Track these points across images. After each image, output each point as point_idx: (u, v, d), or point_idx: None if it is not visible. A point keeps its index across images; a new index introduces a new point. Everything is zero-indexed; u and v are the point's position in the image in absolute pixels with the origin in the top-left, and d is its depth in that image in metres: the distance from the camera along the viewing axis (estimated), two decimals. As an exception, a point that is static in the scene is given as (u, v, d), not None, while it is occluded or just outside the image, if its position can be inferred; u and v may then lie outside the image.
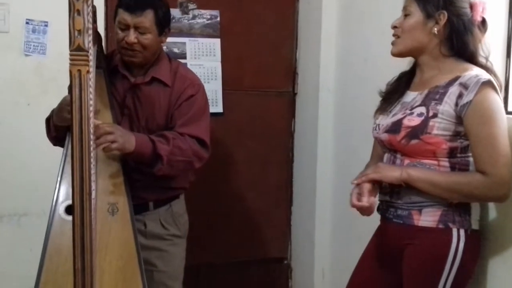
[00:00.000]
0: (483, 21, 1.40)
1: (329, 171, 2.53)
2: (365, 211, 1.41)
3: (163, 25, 1.71)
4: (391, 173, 1.38)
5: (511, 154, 1.31)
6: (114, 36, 1.74)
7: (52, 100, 1.71)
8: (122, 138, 1.54)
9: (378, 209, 1.53)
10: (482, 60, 1.39)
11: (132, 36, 1.64)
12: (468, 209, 1.38)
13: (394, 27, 1.45)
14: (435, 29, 1.38)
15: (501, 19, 1.63)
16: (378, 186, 1.46)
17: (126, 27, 1.65)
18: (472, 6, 1.38)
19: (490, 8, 1.56)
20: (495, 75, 1.38)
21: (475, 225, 1.39)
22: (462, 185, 1.33)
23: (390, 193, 1.45)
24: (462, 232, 1.35)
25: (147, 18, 1.65)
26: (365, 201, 1.40)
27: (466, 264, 1.35)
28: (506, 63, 1.62)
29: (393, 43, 1.46)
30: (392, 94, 1.52)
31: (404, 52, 1.45)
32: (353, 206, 1.43)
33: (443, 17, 1.37)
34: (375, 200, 1.42)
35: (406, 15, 1.42)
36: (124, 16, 1.64)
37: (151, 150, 1.61)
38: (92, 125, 1.17)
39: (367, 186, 1.42)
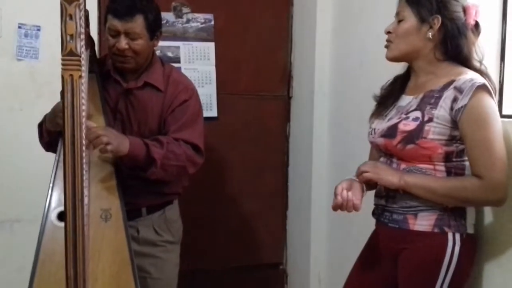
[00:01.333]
0: (476, 24, 1.40)
1: (324, 175, 2.52)
2: (346, 206, 1.39)
3: (154, 29, 1.69)
4: (389, 177, 1.38)
5: (506, 158, 1.31)
6: (106, 42, 1.73)
7: (46, 104, 1.71)
8: (116, 140, 1.53)
9: (373, 213, 1.53)
10: (476, 63, 1.39)
11: (123, 43, 1.63)
12: (463, 213, 1.37)
13: (388, 32, 1.45)
14: (430, 33, 1.38)
15: (495, 23, 1.64)
16: (368, 186, 1.45)
17: (116, 34, 1.63)
18: (465, 10, 1.38)
19: (484, 11, 1.57)
20: (489, 79, 1.38)
21: (470, 229, 1.38)
22: (458, 190, 1.32)
23: (386, 198, 1.45)
24: (457, 236, 1.35)
25: (137, 24, 1.63)
26: (339, 197, 1.39)
27: (461, 268, 1.35)
28: (500, 66, 1.63)
29: (387, 48, 1.45)
30: (387, 98, 1.51)
31: (399, 56, 1.44)
32: (333, 208, 1.42)
33: (437, 21, 1.37)
34: (350, 196, 1.39)
35: (400, 20, 1.42)
36: (114, 22, 1.62)
37: (144, 153, 1.60)
38: (84, 130, 1.16)
39: (344, 186, 1.41)
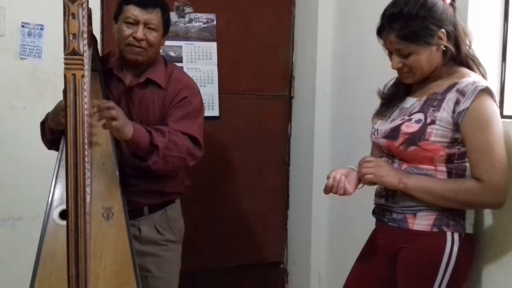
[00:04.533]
0: None
1: (325, 174, 2.49)
2: (336, 188, 1.40)
3: (167, 26, 1.75)
4: (390, 180, 1.38)
5: (506, 161, 1.31)
6: (113, 37, 1.74)
7: (48, 103, 1.71)
8: (122, 119, 1.51)
9: (373, 213, 1.53)
10: (466, 47, 1.38)
11: (141, 32, 1.65)
12: (462, 213, 1.38)
13: (398, 68, 1.39)
14: (442, 46, 1.35)
15: (497, 23, 1.63)
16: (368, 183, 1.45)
17: (135, 23, 1.66)
18: None
19: (486, 12, 1.57)
20: (478, 64, 1.38)
21: (469, 229, 1.39)
22: (458, 193, 1.33)
23: (385, 197, 1.45)
24: (456, 236, 1.35)
25: (157, 16, 1.68)
26: (330, 180, 1.40)
27: (460, 268, 1.35)
28: (502, 66, 1.62)
29: (405, 77, 1.41)
30: (392, 99, 1.51)
31: (422, 78, 1.41)
32: (324, 190, 1.43)
33: (443, 34, 1.34)
34: (343, 179, 1.40)
35: (406, 55, 1.36)
36: (135, 12, 1.66)
37: (148, 140, 1.58)
38: (86, 129, 1.17)
39: (340, 171, 1.43)
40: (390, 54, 1.41)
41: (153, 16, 1.67)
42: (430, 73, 1.40)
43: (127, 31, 1.67)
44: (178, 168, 1.75)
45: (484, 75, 1.39)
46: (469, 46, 1.39)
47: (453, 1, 1.38)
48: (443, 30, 1.34)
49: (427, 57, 1.36)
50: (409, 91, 1.48)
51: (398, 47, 1.36)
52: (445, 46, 1.35)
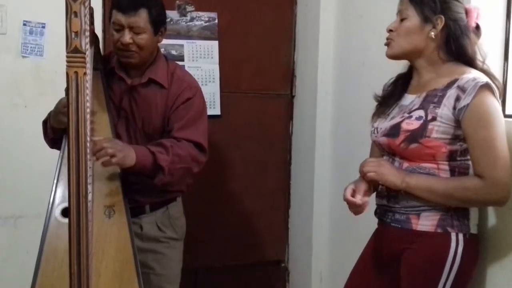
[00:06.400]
0: (477, 27, 1.40)
1: (327, 173, 2.53)
2: (357, 208, 1.42)
3: (158, 24, 1.69)
4: (392, 178, 1.38)
5: (509, 157, 1.31)
6: (111, 38, 1.73)
7: (50, 102, 1.70)
8: (121, 152, 1.52)
9: (375, 213, 1.53)
10: (479, 63, 1.39)
11: (127, 37, 1.62)
12: (466, 213, 1.37)
13: (390, 31, 1.44)
14: (432, 33, 1.38)
15: (499, 23, 1.63)
16: (374, 187, 1.47)
17: (120, 28, 1.63)
18: (467, 12, 1.39)
19: (488, 11, 1.57)
20: (494, 78, 1.38)
21: (473, 229, 1.38)
22: (460, 191, 1.32)
23: (387, 197, 1.44)
24: (460, 236, 1.35)
25: (141, 18, 1.63)
26: (359, 198, 1.41)
27: (464, 269, 1.35)
28: (504, 66, 1.62)
29: (388, 45, 1.45)
30: (390, 97, 1.51)
31: (400, 54, 1.44)
32: (345, 200, 1.44)
33: (441, 21, 1.37)
34: (367, 200, 1.41)
35: (402, 19, 1.42)
36: (118, 16, 1.62)
37: (151, 162, 1.59)
38: (89, 129, 1.17)
39: (363, 186, 1.43)
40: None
41: (137, 19, 1.61)
42: (429, 68, 1.41)
43: (116, 36, 1.65)
44: (184, 176, 1.75)
45: (499, 88, 1.38)
46: (483, 63, 1.39)
47: (478, 27, 1.40)
48: (442, 16, 1.36)
49: (415, 30, 1.38)
50: (407, 88, 1.48)
51: (402, 8, 1.41)
52: (435, 35, 1.37)
